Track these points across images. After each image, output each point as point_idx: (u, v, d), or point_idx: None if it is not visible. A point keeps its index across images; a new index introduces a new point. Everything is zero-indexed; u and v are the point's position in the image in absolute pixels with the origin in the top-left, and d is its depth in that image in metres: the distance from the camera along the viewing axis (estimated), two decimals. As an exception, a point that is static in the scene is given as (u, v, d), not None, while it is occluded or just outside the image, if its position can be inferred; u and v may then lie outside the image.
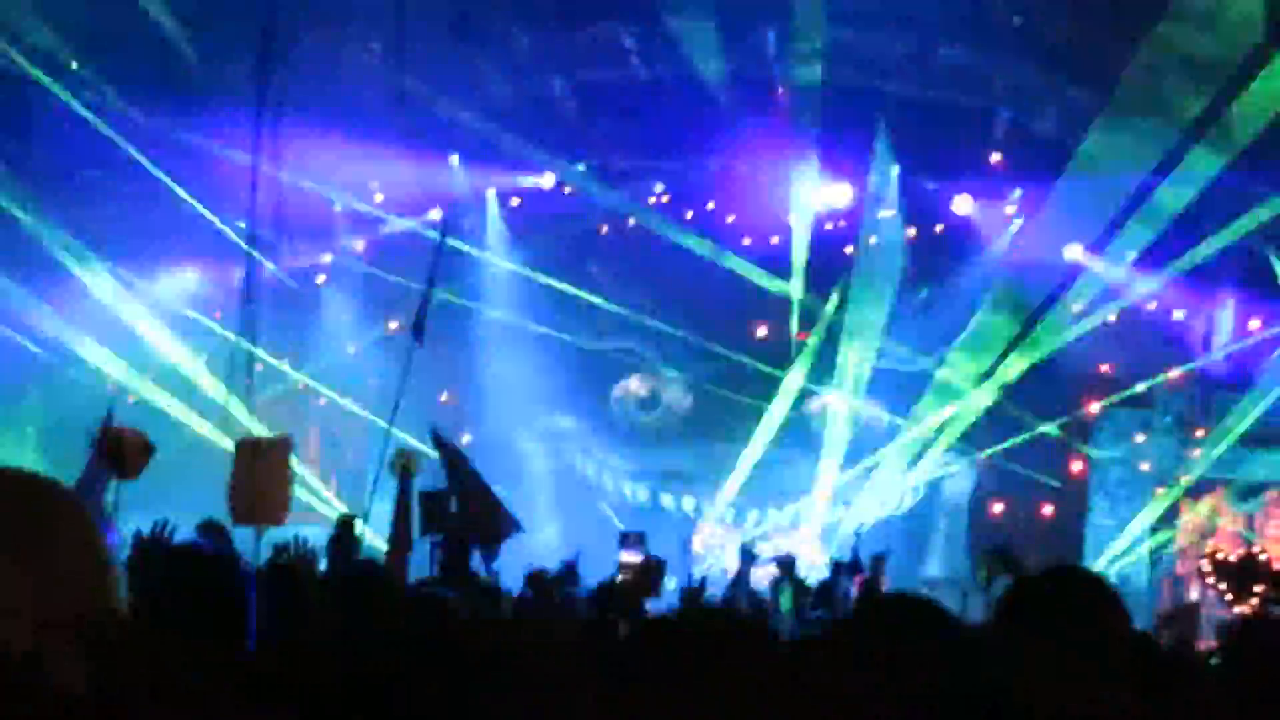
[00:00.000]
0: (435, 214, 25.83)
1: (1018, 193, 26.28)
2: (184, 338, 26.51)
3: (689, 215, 27.55)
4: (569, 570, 20.88)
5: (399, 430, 14.48)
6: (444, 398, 26.70)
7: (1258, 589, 22.05)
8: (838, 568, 20.55)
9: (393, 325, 25.69)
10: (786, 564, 19.88)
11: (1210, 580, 22.84)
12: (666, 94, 25.12)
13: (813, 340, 27.85)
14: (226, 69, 22.97)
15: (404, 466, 13.98)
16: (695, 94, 24.69)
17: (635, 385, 29.14)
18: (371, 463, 24.87)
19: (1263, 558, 22.82)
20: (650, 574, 20.65)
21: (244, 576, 5.12)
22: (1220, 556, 23.04)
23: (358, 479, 25.58)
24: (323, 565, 17.23)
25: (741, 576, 19.85)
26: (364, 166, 25.52)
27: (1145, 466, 26.93)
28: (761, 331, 28.29)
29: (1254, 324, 25.44)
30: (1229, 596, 22.20)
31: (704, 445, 28.64)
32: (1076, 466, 27.29)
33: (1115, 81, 21.81)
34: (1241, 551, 23.18)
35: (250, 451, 16.57)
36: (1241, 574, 22.63)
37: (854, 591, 20.50)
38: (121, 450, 13.56)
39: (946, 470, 27.97)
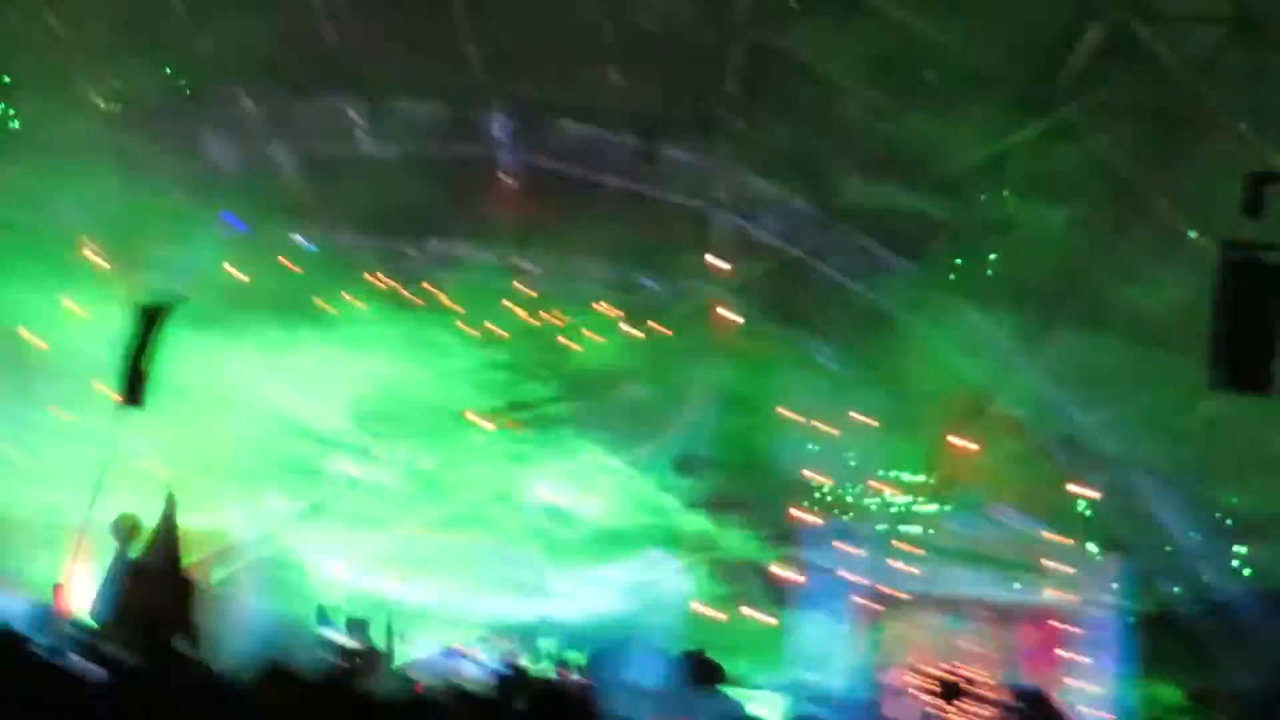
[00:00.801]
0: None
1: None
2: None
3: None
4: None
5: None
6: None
7: (963, 703, 22.45)
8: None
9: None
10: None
11: (918, 694, 23.21)
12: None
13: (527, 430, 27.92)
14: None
15: (128, 532, 13.58)
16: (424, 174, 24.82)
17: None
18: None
19: (965, 673, 23.25)
20: (364, 661, 20.50)
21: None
22: (929, 671, 23.43)
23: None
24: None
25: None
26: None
27: (850, 576, 27.22)
28: (488, 426, 28.20)
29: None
30: (935, 711, 22.58)
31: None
32: (791, 577, 27.46)
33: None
34: (946, 666, 23.57)
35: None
36: (947, 689, 23.02)
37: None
38: None
39: (661, 571, 28.00)
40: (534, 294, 27.66)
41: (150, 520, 19.15)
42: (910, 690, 23.32)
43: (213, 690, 10.56)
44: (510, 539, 28.06)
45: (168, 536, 13.73)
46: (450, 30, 21.40)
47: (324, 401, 27.18)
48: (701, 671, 19.38)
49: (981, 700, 23.04)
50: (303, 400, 26.97)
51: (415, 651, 25.68)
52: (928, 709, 22.74)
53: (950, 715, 22.78)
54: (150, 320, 13.64)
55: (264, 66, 22.75)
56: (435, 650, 26.25)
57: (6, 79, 21.17)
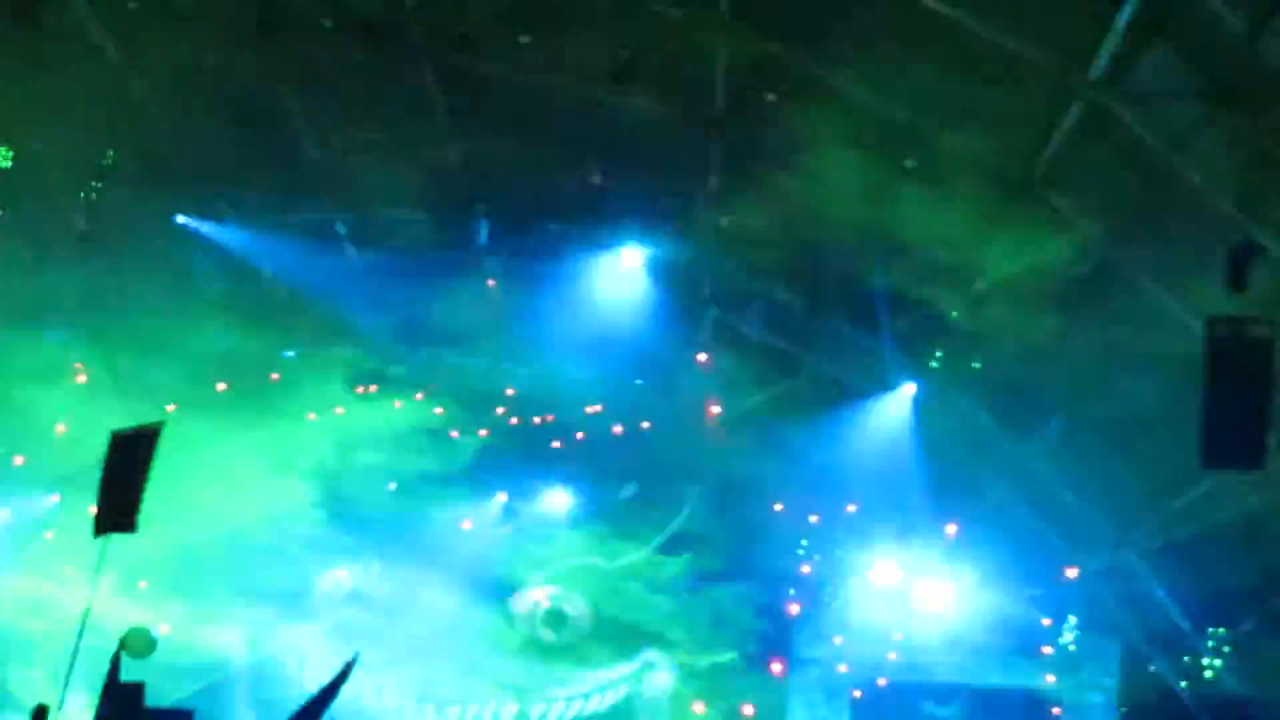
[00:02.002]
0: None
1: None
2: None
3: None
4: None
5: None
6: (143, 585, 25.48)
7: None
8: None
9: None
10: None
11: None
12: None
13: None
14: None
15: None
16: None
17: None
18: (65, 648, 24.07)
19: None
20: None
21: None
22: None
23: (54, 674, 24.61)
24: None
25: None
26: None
27: (843, 668, 27.18)
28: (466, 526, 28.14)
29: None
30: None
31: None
32: (777, 667, 27.36)
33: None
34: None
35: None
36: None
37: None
38: None
39: (648, 668, 27.89)
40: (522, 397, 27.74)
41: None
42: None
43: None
44: (497, 643, 27.96)
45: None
46: (432, 137, 21.53)
47: (305, 510, 27.09)
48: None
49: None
50: (285, 508, 26.87)
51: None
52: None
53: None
54: (137, 445, 13.56)
55: (247, 182, 22.90)
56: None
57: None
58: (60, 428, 25.74)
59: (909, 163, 19.35)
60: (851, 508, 26.76)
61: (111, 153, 22.02)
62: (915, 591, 26.71)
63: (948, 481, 25.32)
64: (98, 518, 13.47)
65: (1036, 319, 20.44)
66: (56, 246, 22.91)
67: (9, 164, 20.98)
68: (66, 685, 13.51)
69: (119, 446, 13.54)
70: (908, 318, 22.86)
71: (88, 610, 14.00)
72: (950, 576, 26.39)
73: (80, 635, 13.91)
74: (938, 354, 23.76)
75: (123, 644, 14.72)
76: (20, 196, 21.66)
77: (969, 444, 24.76)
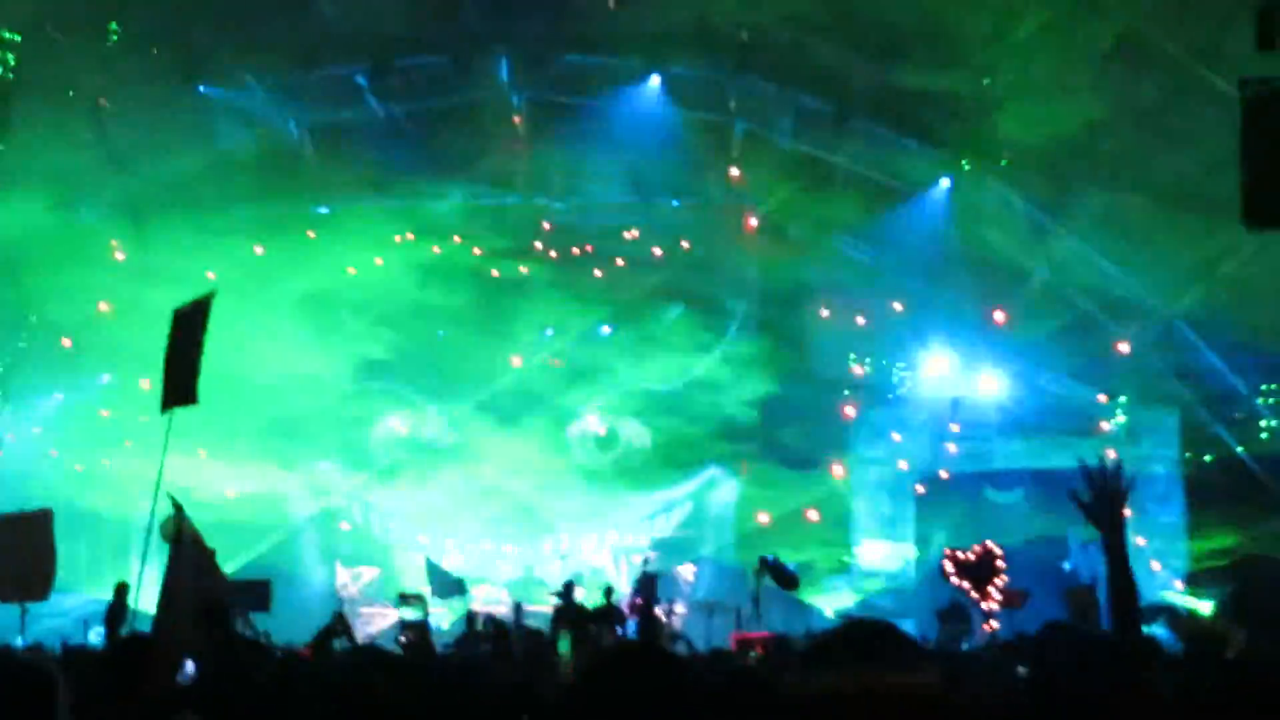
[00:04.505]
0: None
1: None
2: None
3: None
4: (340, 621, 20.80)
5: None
6: (202, 453, 25.63)
7: (995, 583, 22.63)
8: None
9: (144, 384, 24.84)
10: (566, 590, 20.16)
11: (954, 579, 23.38)
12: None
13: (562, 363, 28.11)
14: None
15: (177, 530, 13.70)
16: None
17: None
18: (135, 530, 24.34)
19: (998, 551, 23.38)
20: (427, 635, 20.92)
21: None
22: (960, 555, 23.56)
23: (120, 547, 24.92)
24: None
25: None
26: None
27: (904, 465, 27.35)
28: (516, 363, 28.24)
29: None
30: (974, 594, 22.75)
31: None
32: (837, 469, 27.55)
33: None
34: (977, 548, 23.66)
35: (9, 527, 16.01)
36: (978, 571, 23.13)
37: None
38: None
39: (710, 484, 28.14)
40: (559, 229, 27.79)
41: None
42: (949, 576, 23.40)
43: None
44: (556, 475, 28.22)
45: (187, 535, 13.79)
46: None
47: (361, 362, 27.25)
48: (781, 579, 19.40)
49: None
50: (340, 364, 26.98)
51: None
52: (969, 592, 22.87)
53: (989, 595, 22.92)
54: (190, 318, 13.50)
55: (263, 43, 22.68)
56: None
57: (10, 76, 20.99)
58: (103, 306, 25.86)
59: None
60: (898, 306, 26.75)
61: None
62: (969, 383, 26.69)
63: (991, 270, 25.14)
64: (164, 393, 13.47)
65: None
66: (76, 122, 22.77)
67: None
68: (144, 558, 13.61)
69: (180, 321, 13.50)
70: (936, 112, 22.64)
71: (158, 482, 14.07)
72: (1002, 364, 26.29)
73: (154, 509, 13.96)
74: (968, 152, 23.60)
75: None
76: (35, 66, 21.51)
77: (1008, 231, 24.57)
